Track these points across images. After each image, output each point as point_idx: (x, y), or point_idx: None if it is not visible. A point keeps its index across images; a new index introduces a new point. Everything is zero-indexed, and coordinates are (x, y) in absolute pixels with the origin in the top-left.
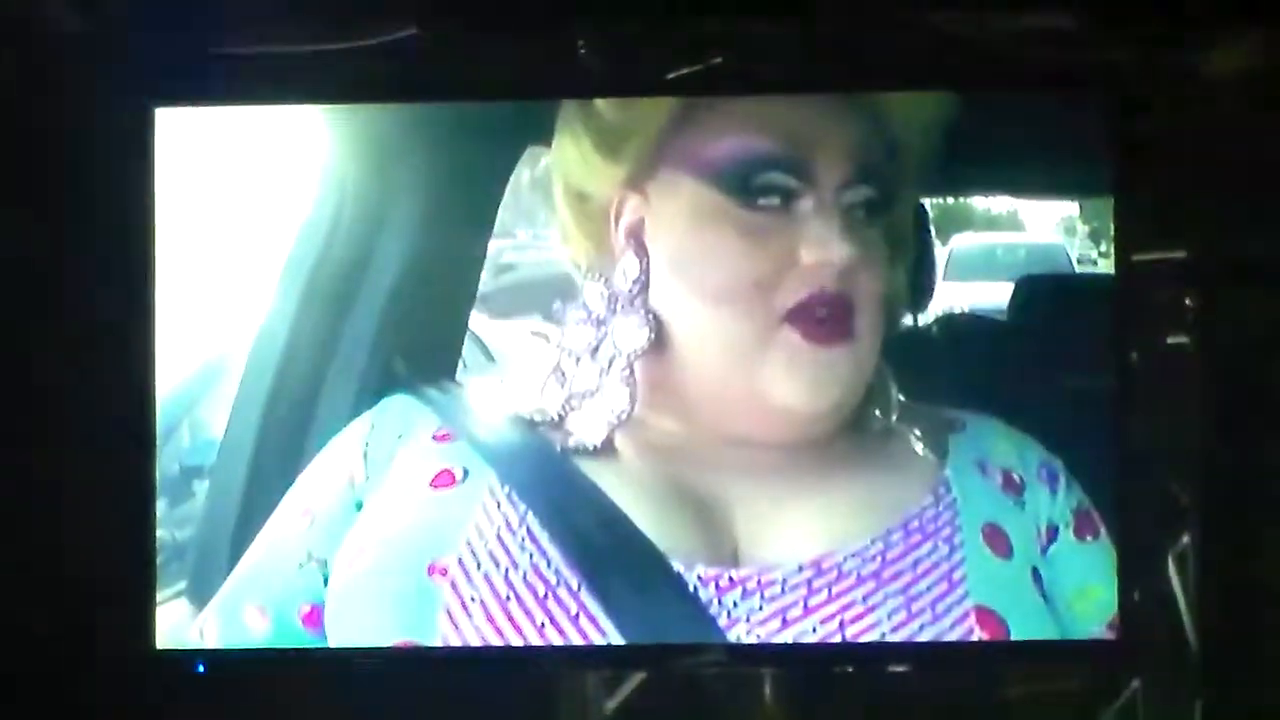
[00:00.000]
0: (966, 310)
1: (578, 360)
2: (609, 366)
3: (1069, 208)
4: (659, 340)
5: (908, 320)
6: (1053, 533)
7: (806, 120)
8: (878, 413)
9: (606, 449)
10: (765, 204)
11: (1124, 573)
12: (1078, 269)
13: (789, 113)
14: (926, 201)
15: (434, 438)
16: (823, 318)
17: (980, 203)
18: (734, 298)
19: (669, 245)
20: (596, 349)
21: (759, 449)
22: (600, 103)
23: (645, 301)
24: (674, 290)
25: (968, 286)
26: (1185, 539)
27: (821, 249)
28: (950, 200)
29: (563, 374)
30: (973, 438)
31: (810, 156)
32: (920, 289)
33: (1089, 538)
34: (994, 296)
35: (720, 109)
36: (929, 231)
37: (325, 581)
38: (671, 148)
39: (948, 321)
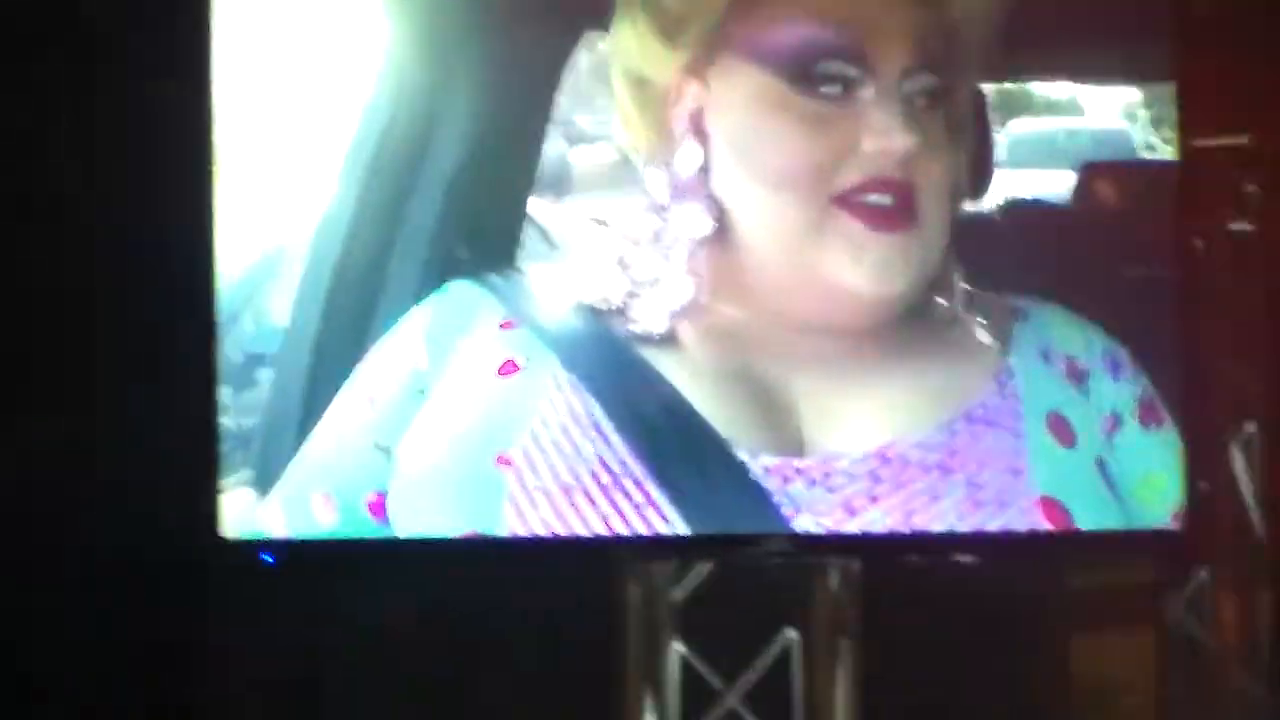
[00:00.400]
0: (1029, 197)
1: (640, 247)
2: (671, 254)
3: (1131, 93)
4: (721, 227)
5: (969, 207)
6: (1117, 421)
7: (868, 7)
8: (942, 300)
9: (670, 337)
10: (827, 92)
11: (1189, 461)
12: (1136, 144)
13: (850, 0)
14: (985, 86)
15: (500, 326)
16: (886, 206)
17: (1040, 88)
18: (793, 184)
19: (729, 132)
20: (658, 236)
21: (822, 336)
22: None
23: (706, 188)
24: (734, 176)
25: (1029, 173)
26: (1250, 427)
27: (884, 138)
28: (1009, 85)
29: (625, 262)
30: (1036, 326)
31: (872, 45)
32: (980, 175)
33: (1153, 426)
34: (1055, 183)
35: None
36: (988, 117)
37: (391, 470)
38: (732, 34)
39: (1010, 208)
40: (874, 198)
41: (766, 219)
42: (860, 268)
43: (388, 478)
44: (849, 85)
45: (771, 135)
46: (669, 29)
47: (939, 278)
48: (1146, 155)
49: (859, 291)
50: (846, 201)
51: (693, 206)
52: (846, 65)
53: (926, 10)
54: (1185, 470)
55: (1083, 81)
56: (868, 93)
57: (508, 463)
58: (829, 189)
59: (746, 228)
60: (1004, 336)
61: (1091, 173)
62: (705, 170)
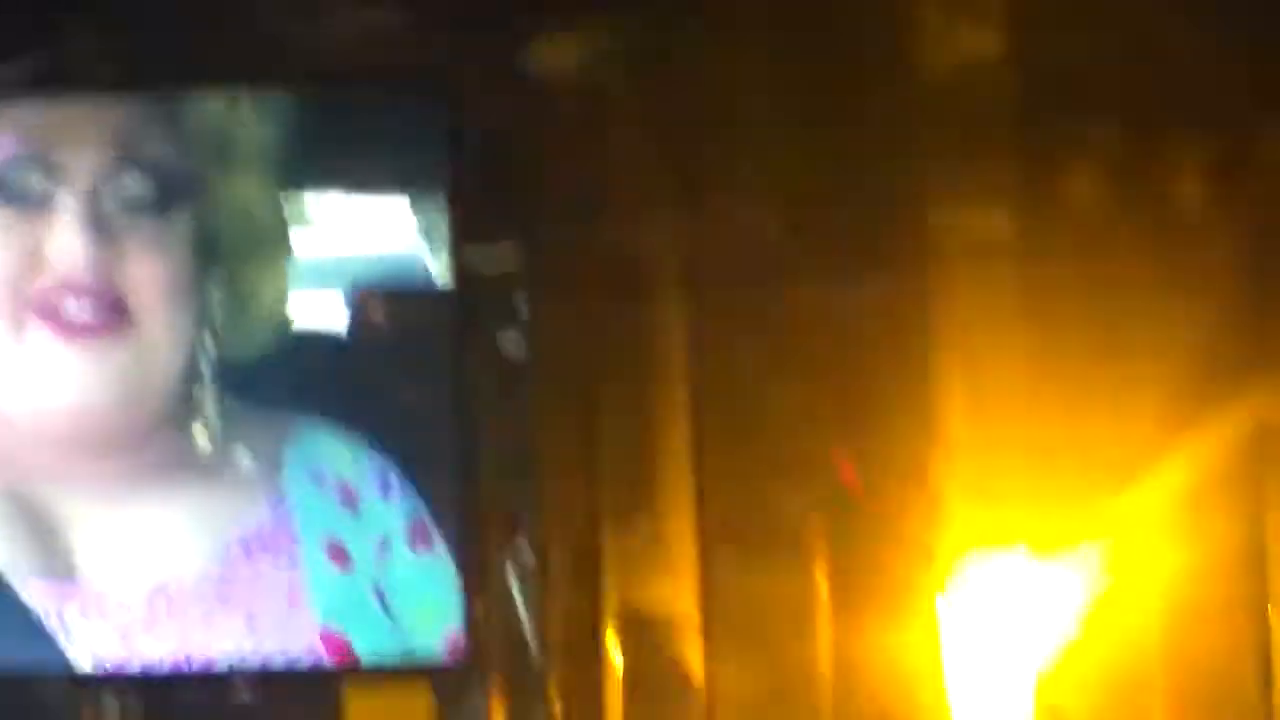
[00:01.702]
0: (307, 319)
1: None
2: None
3: (403, 206)
4: None
5: (243, 323)
6: (386, 545)
7: (68, 117)
8: (199, 424)
9: None
10: (18, 201)
11: (463, 583)
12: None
13: (51, 111)
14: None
15: None
16: (80, 315)
17: (313, 200)
18: None
19: None
20: None
21: (83, 456)
22: None
23: None
24: None
25: (308, 294)
26: (524, 546)
27: (59, 243)
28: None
29: None
30: (307, 447)
31: (63, 153)
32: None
33: (423, 549)
34: (332, 305)
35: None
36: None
37: None
38: None
39: (285, 328)
40: (71, 306)
41: None
42: (51, 379)
43: None
44: (40, 194)
45: None
46: None
47: (192, 395)
48: (427, 277)
49: (55, 405)
50: (42, 310)
51: None
52: (29, 173)
53: (151, 118)
54: (459, 591)
55: (357, 194)
56: (59, 200)
57: None
58: (24, 297)
59: None
60: (275, 458)
61: (364, 297)
62: None
